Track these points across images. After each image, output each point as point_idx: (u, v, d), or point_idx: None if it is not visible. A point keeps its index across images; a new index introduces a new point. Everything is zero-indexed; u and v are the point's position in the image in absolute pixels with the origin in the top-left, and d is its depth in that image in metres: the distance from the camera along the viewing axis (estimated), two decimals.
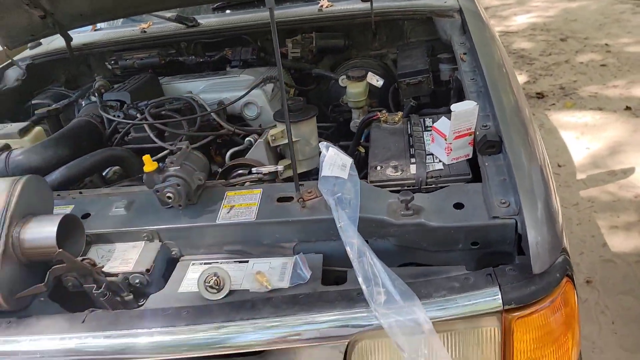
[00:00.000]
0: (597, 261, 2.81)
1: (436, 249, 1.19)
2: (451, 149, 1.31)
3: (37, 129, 1.92)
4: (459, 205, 1.18)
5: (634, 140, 3.86)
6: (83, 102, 2.07)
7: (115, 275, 1.18)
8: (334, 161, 1.31)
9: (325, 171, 1.27)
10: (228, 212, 1.25)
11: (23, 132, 1.87)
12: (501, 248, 1.16)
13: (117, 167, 1.75)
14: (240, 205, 1.26)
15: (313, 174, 1.66)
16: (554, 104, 4.53)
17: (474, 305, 1.01)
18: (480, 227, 1.14)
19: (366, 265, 1.05)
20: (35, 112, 1.90)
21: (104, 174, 1.74)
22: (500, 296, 1.01)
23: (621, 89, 4.63)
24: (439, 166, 1.33)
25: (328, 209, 1.19)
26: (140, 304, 1.21)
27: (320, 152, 1.57)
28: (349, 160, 1.35)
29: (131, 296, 1.20)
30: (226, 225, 1.22)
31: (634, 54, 5.27)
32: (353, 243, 1.08)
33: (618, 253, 2.87)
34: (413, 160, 1.38)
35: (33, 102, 2.23)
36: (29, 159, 1.55)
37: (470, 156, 1.35)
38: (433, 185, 1.31)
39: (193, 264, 1.23)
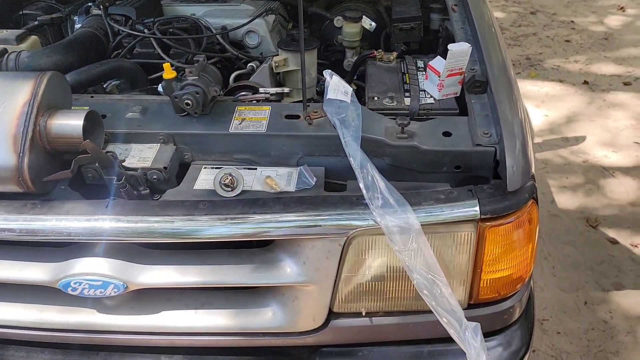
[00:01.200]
0: (545, 215, 3.11)
1: (424, 170, 1.36)
2: (443, 86, 1.47)
3: (33, 37, 1.93)
4: (447, 134, 1.35)
5: (589, 111, 4.16)
6: (76, 18, 2.08)
7: (135, 170, 1.29)
8: (338, 87, 1.44)
9: (330, 95, 1.40)
10: (239, 124, 1.36)
11: (20, 39, 1.88)
12: (480, 172, 1.34)
13: (118, 81, 1.81)
14: (251, 118, 1.38)
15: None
16: (519, 73, 4.78)
17: (456, 214, 1.19)
18: (465, 153, 1.31)
19: (367, 175, 1.21)
20: (38, 19, 1.91)
21: (104, 86, 1.80)
22: (478, 207, 1.19)
23: (581, 64, 4.92)
24: (431, 101, 1.49)
25: (332, 127, 1.33)
26: (156, 198, 1.33)
27: (319, 80, 1.70)
28: (349, 89, 1.49)
29: (148, 190, 1.31)
30: (238, 134, 1.34)
31: (596, 32, 5.56)
32: (356, 156, 1.23)
33: (564, 209, 3.18)
34: (407, 94, 1.53)
35: (24, 12, 2.21)
36: (39, 61, 1.59)
37: (458, 94, 1.51)
38: (424, 117, 1.46)
39: (205, 167, 1.35)
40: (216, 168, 1.35)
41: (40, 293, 1.33)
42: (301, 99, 1.75)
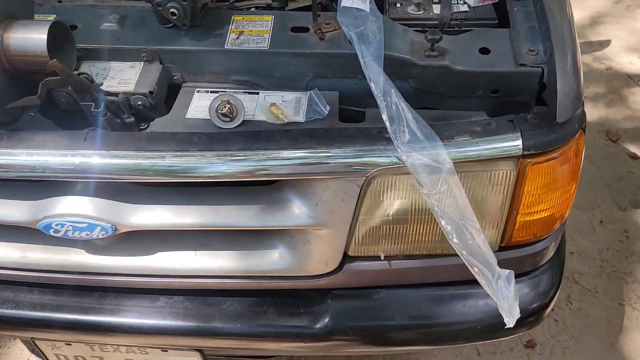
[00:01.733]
0: None
1: (454, 95, 1.17)
2: None
3: None
4: (484, 50, 1.14)
5: (615, 11, 3.82)
6: None
7: (115, 94, 1.09)
8: None
9: (345, 1, 1.16)
10: (237, 38, 1.14)
11: None
12: (520, 97, 1.15)
13: None
14: (251, 31, 1.16)
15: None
16: None
17: (495, 150, 1.02)
18: (505, 74, 1.11)
19: (391, 104, 1.02)
20: None
21: None
22: (520, 142, 1.01)
23: None
24: (464, 8, 1.25)
25: (348, 43, 1.12)
26: (142, 127, 1.15)
27: None
28: None
29: (132, 118, 1.12)
30: (236, 51, 1.13)
31: None
32: (378, 80, 1.03)
33: None
34: (436, 1, 1.29)
35: None
36: None
37: (497, 0, 1.27)
38: (456, 29, 1.24)
39: (198, 91, 1.15)
40: (212, 92, 1.15)
41: (24, 231, 1.20)
42: (309, 3, 1.51)
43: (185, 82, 1.19)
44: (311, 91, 1.13)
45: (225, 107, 1.04)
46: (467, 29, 1.23)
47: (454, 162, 0.99)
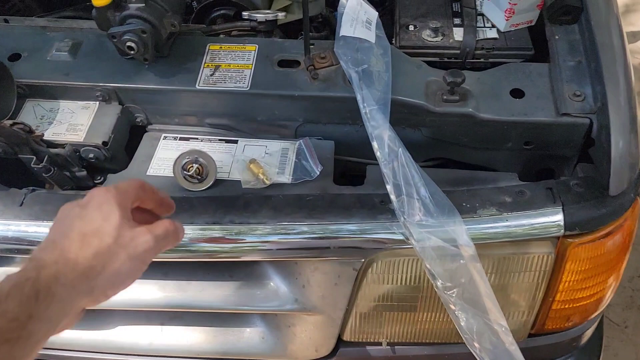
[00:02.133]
0: None
1: (477, 147, 0.95)
2: (514, 12, 0.99)
3: None
4: (517, 93, 0.92)
5: None
6: None
7: (62, 146, 0.90)
8: (357, 14, 0.98)
9: (345, 28, 0.94)
10: (212, 74, 0.93)
11: None
12: (560, 152, 0.93)
13: None
14: (229, 66, 0.95)
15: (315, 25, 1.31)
16: None
17: (529, 228, 0.80)
18: (543, 125, 0.89)
19: (397, 168, 0.81)
20: None
21: None
22: (562, 218, 0.80)
23: None
24: (493, 33, 1.02)
25: (347, 83, 0.90)
26: (97, 181, 0.96)
27: None
28: (374, 14, 1.02)
29: (84, 172, 0.93)
30: (209, 92, 0.92)
31: None
32: (383, 138, 0.82)
33: None
34: (457, 20, 1.06)
35: None
36: None
37: (533, 23, 1.04)
38: (482, 60, 1.01)
39: (165, 137, 0.95)
40: (181, 139, 0.95)
41: None
42: (302, 16, 1.29)
43: (151, 123, 0.99)
44: (301, 141, 0.92)
45: (192, 167, 0.84)
46: (496, 61, 1.00)
47: (476, 245, 0.78)
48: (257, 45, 0.97)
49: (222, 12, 1.15)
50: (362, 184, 0.88)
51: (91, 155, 0.90)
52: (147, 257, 0.56)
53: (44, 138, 0.90)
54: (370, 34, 0.95)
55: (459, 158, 0.98)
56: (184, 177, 0.85)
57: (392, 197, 0.79)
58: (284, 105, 0.93)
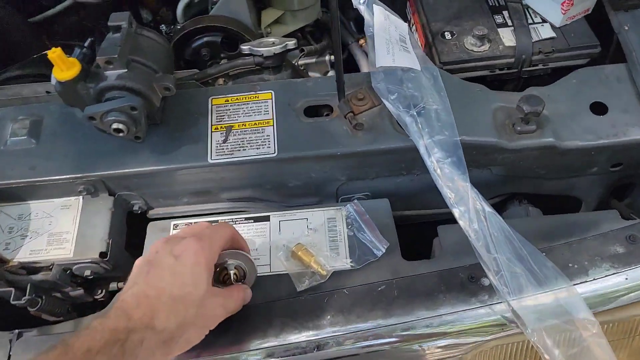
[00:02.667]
0: None
1: (556, 177, 0.80)
2: (572, 2, 0.82)
3: None
4: (599, 107, 0.76)
5: None
6: None
7: (47, 267, 0.69)
8: (389, 33, 0.79)
9: (381, 56, 0.75)
10: (224, 140, 0.73)
11: None
12: None
13: None
14: (244, 125, 0.74)
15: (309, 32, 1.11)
16: None
17: None
18: (637, 145, 0.74)
19: (486, 234, 0.65)
20: None
21: None
22: None
23: None
24: (547, 31, 0.85)
25: (398, 127, 0.72)
26: (98, 297, 0.76)
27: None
28: (404, 27, 0.83)
29: (81, 290, 0.73)
30: (226, 164, 0.72)
31: None
32: (465, 200, 0.65)
33: None
34: (498, 18, 0.88)
35: None
36: None
37: (590, 11, 0.87)
38: (540, 67, 0.84)
39: (177, 226, 0.75)
40: (194, 216, 0.75)
41: None
42: (302, 23, 1.08)
43: (152, 207, 0.79)
44: (349, 206, 0.74)
45: (227, 275, 0.65)
46: (558, 65, 0.84)
47: (595, 314, 0.64)
48: (272, 91, 0.77)
49: (205, 39, 0.94)
50: (439, 252, 0.71)
51: (87, 273, 0.70)
52: (215, 325, 0.60)
53: (22, 260, 0.69)
54: (411, 58, 0.76)
55: (532, 191, 0.83)
56: (217, 285, 0.66)
57: (489, 274, 0.63)
58: (323, 167, 0.74)
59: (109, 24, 0.67)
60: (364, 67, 1.09)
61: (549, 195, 0.85)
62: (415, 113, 0.70)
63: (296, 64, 1.03)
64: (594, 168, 0.78)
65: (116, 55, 0.63)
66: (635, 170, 0.79)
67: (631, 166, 0.78)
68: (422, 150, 0.68)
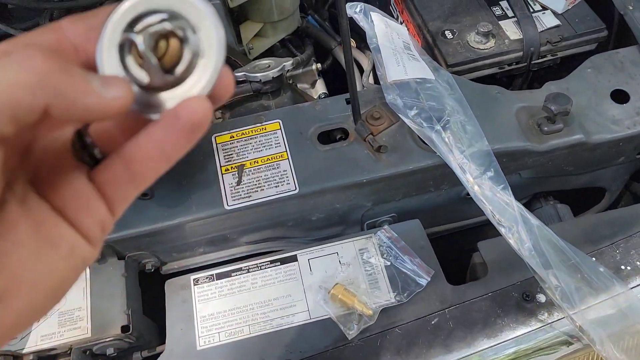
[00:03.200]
0: None
1: (582, 172, 0.77)
2: None
3: None
4: (621, 95, 0.73)
5: None
6: None
7: (65, 353, 0.62)
8: (393, 42, 0.74)
9: (392, 69, 0.70)
10: (237, 181, 0.67)
11: None
12: None
13: None
14: (256, 162, 0.68)
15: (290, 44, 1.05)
16: None
17: None
18: None
19: (537, 248, 0.61)
20: None
21: None
22: None
23: None
24: (551, 19, 0.82)
25: (422, 144, 0.68)
26: None
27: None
28: (404, 31, 0.79)
29: None
30: (246, 209, 0.66)
31: None
32: (511, 216, 0.61)
33: None
34: (497, 11, 0.84)
35: None
36: None
37: None
38: (549, 57, 0.81)
39: (197, 281, 0.69)
40: (220, 276, 0.69)
41: None
42: (282, 35, 1.02)
43: (165, 262, 0.72)
44: (379, 233, 0.69)
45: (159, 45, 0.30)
46: (567, 54, 0.81)
47: None
48: (280, 121, 0.71)
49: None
50: (484, 275, 0.68)
51: (110, 351, 0.63)
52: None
53: (35, 349, 0.61)
54: (422, 67, 0.72)
55: (559, 188, 0.80)
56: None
57: (548, 290, 0.60)
58: (348, 196, 0.69)
59: None
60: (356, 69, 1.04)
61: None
62: (440, 128, 0.65)
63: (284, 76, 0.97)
64: (621, 158, 0.76)
65: None
66: None
67: None
68: (455, 168, 0.64)
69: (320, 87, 1.06)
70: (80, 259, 0.27)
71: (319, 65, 1.05)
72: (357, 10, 0.76)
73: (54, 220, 0.26)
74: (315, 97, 1.05)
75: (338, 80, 0.94)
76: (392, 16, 0.98)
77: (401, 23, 0.94)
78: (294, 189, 0.66)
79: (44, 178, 0.27)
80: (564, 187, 0.80)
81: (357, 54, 0.98)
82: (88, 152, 0.28)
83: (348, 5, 0.78)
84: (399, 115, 0.69)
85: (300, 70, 1.05)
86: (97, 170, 0.27)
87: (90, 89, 0.23)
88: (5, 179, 0.24)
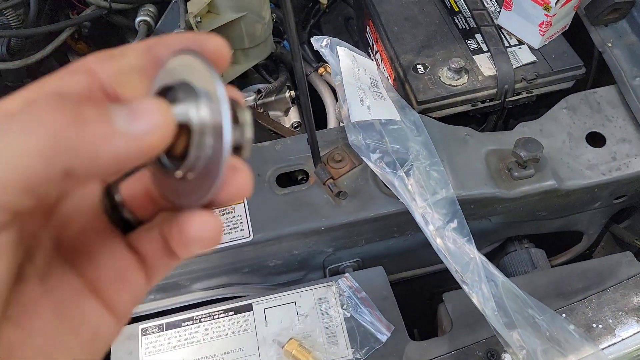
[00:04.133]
0: None
1: (556, 217, 0.74)
2: (551, 23, 0.76)
3: None
4: (597, 138, 0.70)
5: None
6: None
7: None
8: (359, 78, 0.71)
9: (355, 109, 0.67)
10: None
11: None
12: None
13: None
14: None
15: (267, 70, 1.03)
16: None
17: None
18: None
19: (504, 310, 0.58)
20: None
21: None
22: None
23: None
24: (527, 55, 0.79)
25: (385, 189, 0.65)
26: None
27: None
28: (372, 67, 0.76)
29: None
30: (197, 256, 0.63)
31: None
32: (474, 271, 0.58)
33: None
34: (472, 44, 0.81)
35: None
36: None
37: (567, 28, 0.81)
38: (524, 95, 0.78)
39: (145, 331, 0.65)
40: (169, 326, 0.65)
41: None
42: (254, 61, 0.99)
43: None
44: (339, 281, 0.66)
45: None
46: (543, 92, 0.78)
47: None
48: None
49: None
50: (450, 328, 0.64)
51: None
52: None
53: None
54: (388, 107, 0.69)
55: (532, 232, 0.77)
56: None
57: (511, 353, 0.57)
58: (306, 243, 0.66)
59: None
60: (328, 100, 1.01)
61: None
62: (403, 174, 0.62)
63: (255, 105, 0.94)
64: (597, 203, 0.72)
65: None
66: (639, 198, 0.74)
67: (636, 196, 0.73)
68: (417, 218, 0.61)
69: (293, 115, 1.03)
70: (102, 343, 0.23)
71: (292, 92, 1.03)
72: (323, 44, 0.73)
73: (79, 297, 0.22)
74: (288, 126, 1.02)
75: (312, 106, 0.91)
76: (368, 44, 0.95)
77: (376, 53, 0.91)
78: (248, 236, 0.63)
79: (72, 242, 0.23)
80: (538, 231, 0.77)
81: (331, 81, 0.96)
82: (119, 215, 0.23)
83: (314, 38, 0.75)
84: (363, 157, 0.66)
85: (273, 98, 1.02)
86: (137, 237, 0.23)
87: (113, 131, 0.19)
88: (24, 250, 0.20)
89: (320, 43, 0.74)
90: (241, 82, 1.00)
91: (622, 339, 0.60)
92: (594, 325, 0.61)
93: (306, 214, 0.64)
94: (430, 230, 0.60)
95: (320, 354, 0.61)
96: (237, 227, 0.64)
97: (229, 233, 0.63)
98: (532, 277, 0.67)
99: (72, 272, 0.22)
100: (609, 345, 0.60)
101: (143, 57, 0.23)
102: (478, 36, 0.82)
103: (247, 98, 0.74)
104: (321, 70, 1.06)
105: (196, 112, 0.21)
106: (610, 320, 0.61)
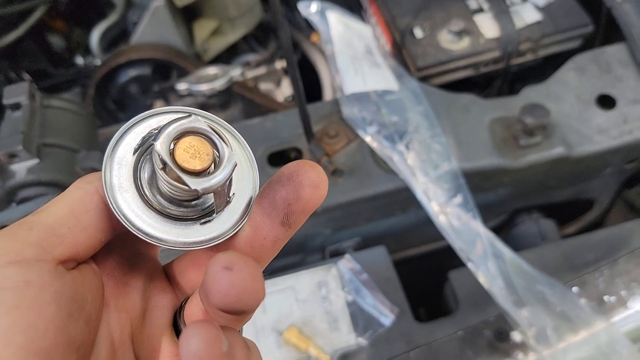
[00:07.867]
0: None
1: (567, 185, 0.72)
2: None
3: None
4: (607, 101, 0.68)
5: None
6: None
7: None
8: (352, 44, 0.68)
9: (349, 80, 0.65)
10: None
11: None
12: None
13: None
14: None
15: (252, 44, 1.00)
16: None
17: None
18: None
19: (512, 288, 0.57)
20: None
21: None
22: None
23: None
24: (531, 14, 0.76)
25: (384, 165, 0.63)
26: None
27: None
28: (367, 32, 0.73)
29: None
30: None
31: None
32: (481, 249, 0.57)
33: None
34: (473, 4, 0.78)
35: None
36: None
37: None
38: (530, 56, 0.75)
39: None
40: None
41: None
42: (242, 32, 0.97)
43: None
44: (339, 263, 0.65)
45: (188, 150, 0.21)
46: (550, 53, 0.75)
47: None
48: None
49: (132, 74, 0.81)
50: (457, 307, 0.63)
51: None
52: None
53: None
54: (384, 75, 0.66)
55: (542, 202, 0.75)
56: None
57: (520, 331, 0.56)
58: (303, 225, 0.64)
59: (4, 102, 0.54)
60: (323, 70, 0.98)
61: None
62: (402, 148, 0.60)
63: (244, 77, 0.91)
64: (608, 169, 0.71)
65: (20, 147, 0.51)
66: None
67: None
68: (418, 194, 0.59)
69: (286, 87, 1.01)
70: None
71: (283, 63, 1.00)
72: (312, 10, 0.70)
73: None
74: (281, 99, 0.99)
75: (306, 77, 0.89)
76: (362, 7, 0.92)
77: (371, 17, 0.88)
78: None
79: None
80: (549, 201, 0.75)
81: None
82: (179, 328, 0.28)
83: (302, 3, 0.72)
84: (358, 132, 0.64)
85: (265, 70, 0.99)
86: None
87: None
88: None
89: (307, 9, 0.71)
90: (229, 54, 0.97)
91: (636, 311, 0.59)
92: (606, 297, 0.60)
93: None
94: (432, 207, 0.58)
95: (322, 340, 0.60)
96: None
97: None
98: (542, 251, 0.66)
99: None
100: (622, 319, 0.59)
101: None
102: None
103: (234, 72, 0.71)
104: (314, 37, 1.03)
105: None
106: (623, 292, 0.60)
